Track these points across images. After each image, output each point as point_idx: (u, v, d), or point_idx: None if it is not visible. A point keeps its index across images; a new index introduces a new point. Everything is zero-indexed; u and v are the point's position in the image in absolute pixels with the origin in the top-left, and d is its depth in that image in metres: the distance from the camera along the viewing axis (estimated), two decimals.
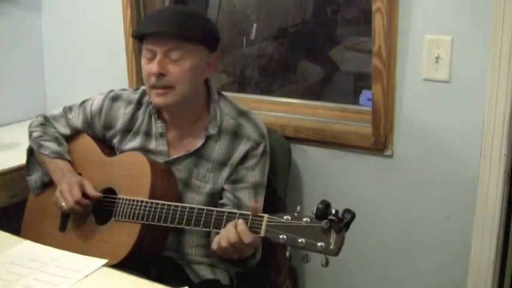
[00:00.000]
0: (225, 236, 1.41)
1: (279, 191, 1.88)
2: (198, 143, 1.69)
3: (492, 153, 1.70)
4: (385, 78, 1.83)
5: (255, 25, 2.58)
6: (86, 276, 1.30)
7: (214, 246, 1.46)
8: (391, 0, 1.76)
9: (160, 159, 1.70)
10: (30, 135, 1.84)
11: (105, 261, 1.36)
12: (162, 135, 1.72)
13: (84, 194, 1.64)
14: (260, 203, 1.49)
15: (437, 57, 1.74)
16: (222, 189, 1.69)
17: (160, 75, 1.59)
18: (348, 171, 1.99)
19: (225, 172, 1.69)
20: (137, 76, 2.36)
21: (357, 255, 1.97)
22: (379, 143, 1.88)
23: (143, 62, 1.64)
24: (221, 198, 1.69)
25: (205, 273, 1.69)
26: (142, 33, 1.63)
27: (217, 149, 1.69)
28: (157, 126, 1.72)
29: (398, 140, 1.88)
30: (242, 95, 2.32)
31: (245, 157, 1.68)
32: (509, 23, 1.60)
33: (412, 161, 1.87)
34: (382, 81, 1.83)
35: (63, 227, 1.72)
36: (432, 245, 1.89)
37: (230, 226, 1.41)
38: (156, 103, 1.65)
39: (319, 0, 2.51)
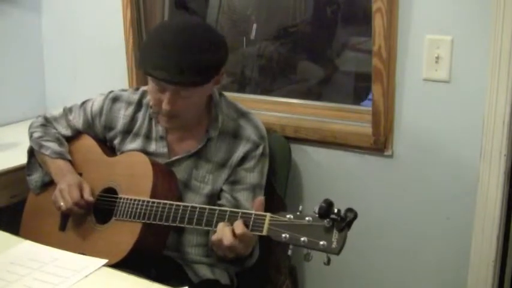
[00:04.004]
0: (220, 237, 1.39)
1: (279, 191, 1.88)
2: (199, 145, 1.69)
3: (492, 153, 1.70)
4: (385, 78, 1.83)
5: (255, 25, 2.58)
6: (86, 276, 1.30)
7: (212, 246, 1.46)
8: (391, 0, 1.76)
9: (160, 161, 1.69)
10: (31, 136, 1.84)
11: (105, 261, 1.36)
12: (162, 138, 1.72)
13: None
14: None
15: (437, 57, 1.74)
16: (221, 190, 1.69)
17: (171, 110, 1.58)
18: (348, 171, 1.99)
19: (224, 173, 1.69)
20: (137, 76, 2.36)
21: (357, 255, 1.97)
22: (379, 143, 1.88)
23: (151, 87, 1.59)
24: (219, 198, 1.69)
25: (205, 273, 1.69)
26: (154, 77, 1.54)
27: (217, 151, 1.69)
28: (157, 130, 1.72)
29: (398, 140, 1.88)
30: (242, 95, 2.32)
31: (244, 158, 1.68)
32: (509, 23, 1.60)
33: (412, 161, 1.87)
34: (382, 81, 1.83)
35: (63, 227, 1.72)
36: (432, 245, 1.88)
37: (227, 231, 1.38)
38: (162, 125, 1.67)
39: (319, 0, 2.51)
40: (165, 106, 1.57)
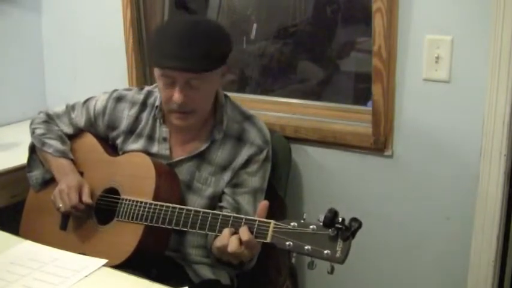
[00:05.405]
0: (226, 243, 1.38)
1: (279, 191, 1.88)
2: (202, 147, 1.69)
3: (492, 153, 1.70)
4: (385, 78, 1.83)
5: (255, 25, 2.58)
6: (86, 276, 1.30)
7: (214, 250, 1.46)
8: (391, 0, 1.76)
9: (163, 162, 1.69)
10: (33, 132, 1.84)
11: (105, 261, 1.36)
12: (165, 139, 1.71)
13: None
14: None
15: (437, 57, 1.74)
16: (222, 192, 1.69)
17: (182, 103, 1.58)
18: (348, 171, 1.99)
19: (227, 176, 1.68)
20: (137, 76, 2.36)
21: (356, 255, 1.95)
22: (379, 143, 1.88)
23: (160, 85, 1.60)
24: (220, 201, 1.69)
25: (206, 273, 1.69)
26: (165, 67, 1.56)
27: (221, 153, 1.69)
28: (161, 131, 1.72)
29: (398, 140, 1.88)
30: (242, 95, 2.32)
31: (247, 162, 1.68)
32: (509, 23, 1.60)
33: (412, 161, 1.87)
34: (382, 81, 1.83)
35: (64, 226, 1.71)
36: (432, 245, 1.89)
37: (234, 239, 1.37)
38: (177, 125, 1.64)
39: (319, 0, 2.51)
40: (176, 98, 1.56)
